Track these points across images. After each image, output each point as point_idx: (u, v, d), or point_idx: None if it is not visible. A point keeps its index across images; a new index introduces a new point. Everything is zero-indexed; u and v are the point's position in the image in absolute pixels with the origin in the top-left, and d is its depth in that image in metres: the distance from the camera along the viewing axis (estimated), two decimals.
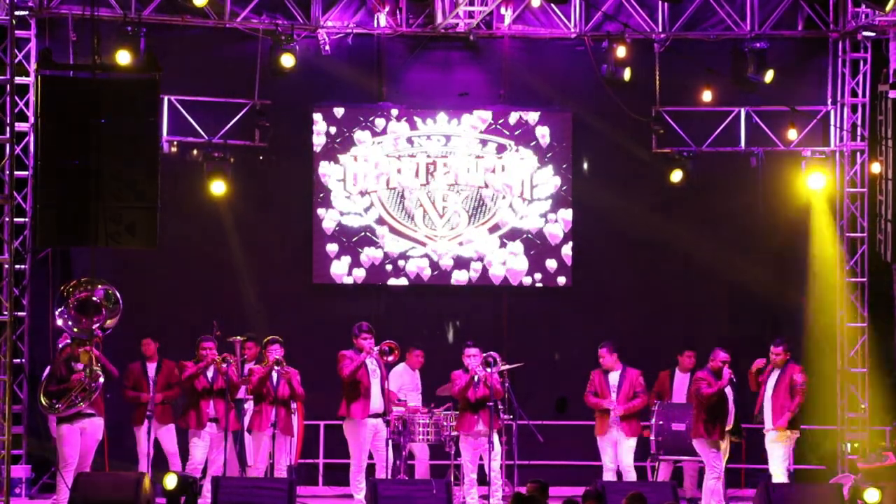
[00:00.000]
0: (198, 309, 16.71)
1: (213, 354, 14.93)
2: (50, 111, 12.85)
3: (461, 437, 15.00)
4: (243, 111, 17.25)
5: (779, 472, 14.52)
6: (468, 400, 14.88)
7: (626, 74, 17.16)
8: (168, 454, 15.36)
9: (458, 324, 17.82)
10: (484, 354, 14.97)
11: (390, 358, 15.07)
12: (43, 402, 14.27)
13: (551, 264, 17.81)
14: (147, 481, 13.75)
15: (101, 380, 14.22)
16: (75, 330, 13.55)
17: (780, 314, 17.60)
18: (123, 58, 15.85)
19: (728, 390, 14.54)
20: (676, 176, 17.39)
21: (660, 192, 17.59)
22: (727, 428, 14.54)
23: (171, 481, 14.11)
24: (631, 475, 15.09)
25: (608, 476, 15.02)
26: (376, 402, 14.85)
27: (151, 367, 15.39)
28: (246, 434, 15.38)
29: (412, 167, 17.84)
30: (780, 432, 14.52)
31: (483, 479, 15.02)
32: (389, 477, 14.92)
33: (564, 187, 17.88)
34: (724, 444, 14.58)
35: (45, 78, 13.17)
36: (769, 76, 17.14)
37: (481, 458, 14.95)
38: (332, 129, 17.74)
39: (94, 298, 13.43)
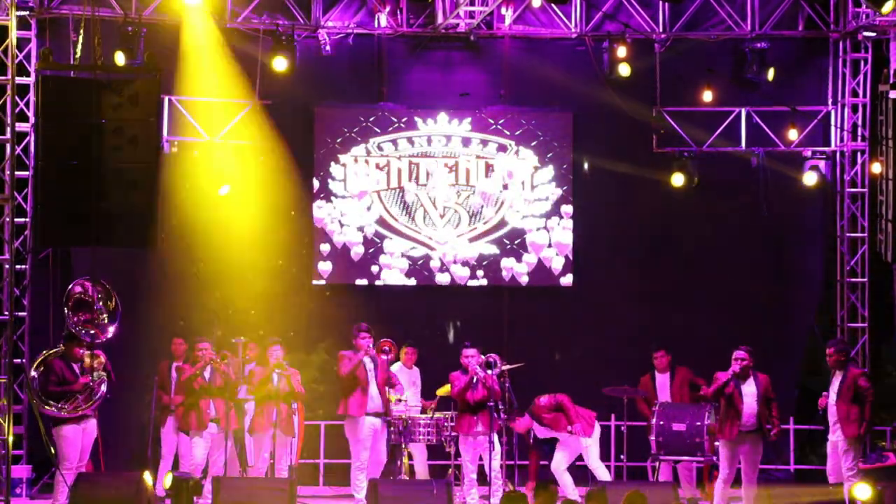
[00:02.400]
0: (198, 309, 16.71)
1: (209, 354, 14.94)
2: (50, 111, 12.81)
3: (461, 437, 14.98)
4: (243, 111, 17.26)
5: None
6: (467, 402, 14.85)
7: (626, 71, 17.17)
8: (182, 456, 15.39)
9: (459, 324, 17.83)
10: (484, 357, 14.94)
11: (388, 357, 15.07)
12: (43, 401, 14.22)
13: (551, 264, 17.82)
14: (148, 481, 13.75)
15: (105, 385, 14.21)
16: (90, 336, 13.54)
17: (781, 314, 17.61)
18: (123, 58, 15.88)
19: (747, 389, 14.27)
20: (677, 177, 17.40)
21: (660, 192, 17.59)
22: (745, 430, 14.20)
23: (167, 481, 14.17)
24: (601, 474, 15.15)
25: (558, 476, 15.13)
26: (375, 401, 14.82)
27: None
28: (247, 434, 15.39)
29: (413, 167, 17.84)
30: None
31: (483, 479, 15.01)
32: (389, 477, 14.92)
33: (564, 187, 17.89)
34: (745, 446, 14.28)
35: (45, 78, 13.13)
36: (770, 75, 17.14)
37: (481, 458, 14.95)
38: (333, 130, 17.75)
39: (87, 298, 13.43)
